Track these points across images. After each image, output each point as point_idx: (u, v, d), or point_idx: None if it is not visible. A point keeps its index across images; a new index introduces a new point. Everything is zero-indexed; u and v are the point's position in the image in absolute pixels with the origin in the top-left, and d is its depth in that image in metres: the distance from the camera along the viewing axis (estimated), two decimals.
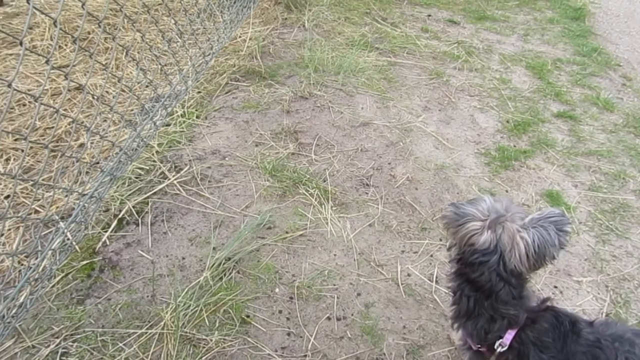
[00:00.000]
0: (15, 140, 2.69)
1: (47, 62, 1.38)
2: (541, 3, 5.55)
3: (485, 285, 1.34)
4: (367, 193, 2.69)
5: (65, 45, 3.42)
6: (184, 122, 3.02)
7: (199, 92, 3.32)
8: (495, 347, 1.43)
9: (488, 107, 3.55)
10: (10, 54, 3.32)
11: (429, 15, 4.85)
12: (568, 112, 3.58)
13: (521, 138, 3.26)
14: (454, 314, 1.56)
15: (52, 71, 3.06)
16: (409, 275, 2.28)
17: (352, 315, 2.07)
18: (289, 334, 1.98)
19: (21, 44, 1.23)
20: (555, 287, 2.30)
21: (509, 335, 1.42)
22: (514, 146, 3.17)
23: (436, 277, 2.27)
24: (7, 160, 2.59)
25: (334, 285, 2.19)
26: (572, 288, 2.30)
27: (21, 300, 1.85)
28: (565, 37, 4.77)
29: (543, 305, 1.48)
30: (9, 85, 1.26)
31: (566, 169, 3.04)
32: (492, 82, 3.86)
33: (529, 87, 3.86)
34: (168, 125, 2.98)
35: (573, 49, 4.57)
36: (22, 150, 2.63)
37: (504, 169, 2.97)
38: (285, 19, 4.34)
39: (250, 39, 3.89)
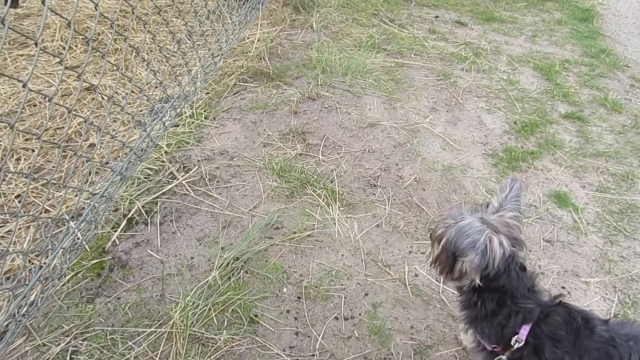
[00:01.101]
0: (26, 140, 2.72)
1: (60, 62, 1.39)
2: (549, 4, 5.53)
3: (512, 284, 1.39)
4: (374, 194, 2.70)
5: (75, 46, 3.45)
6: (193, 122, 3.04)
7: (208, 93, 3.34)
8: (512, 343, 1.44)
9: (495, 108, 3.55)
10: (21, 55, 3.36)
11: (437, 17, 4.85)
12: (576, 113, 3.57)
13: (529, 139, 3.26)
14: (469, 319, 1.55)
15: (62, 72, 3.10)
16: (416, 275, 2.28)
17: (360, 315, 2.08)
18: (297, 334, 1.99)
19: (36, 44, 1.25)
20: (563, 287, 2.29)
21: (524, 331, 1.43)
22: (522, 147, 3.17)
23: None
24: (18, 160, 2.62)
25: (342, 285, 2.20)
26: (580, 289, 2.30)
27: (32, 298, 1.87)
28: (574, 38, 4.76)
29: (556, 300, 1.49)
30: (24, 86, 1.28)
31: (574, 170, 3.03)
32: (500, 84, 3.85)
33: (537, 88, 3.85)
34: (177, 126, 3.00)
35: (581, 50, 4.55)
36: (33, 150, 2.66)
37: (511, 170, 2.96)
38: (294, 20, 4.36)
39: (258, 40, 3.91)
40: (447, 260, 1.41)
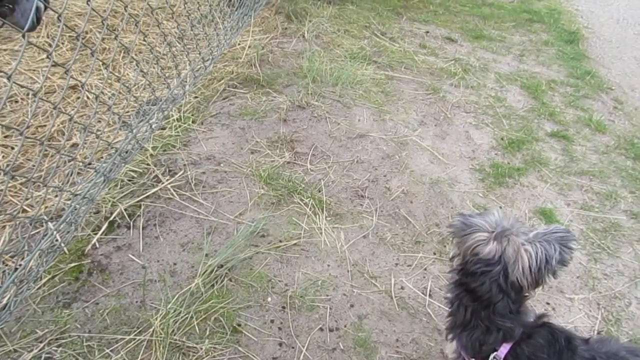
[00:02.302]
0: (5, 137, 2.64)
1: (48, 56, 1.35)
2: (537, 25, 5.64)
3: (484, 295, 1.34)
4: (361, 205, 2.68)
5: (62, 43, 3.38)
6: (180, 126, 2.99)
7: (196, 97, 3.30)
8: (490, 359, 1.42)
9: (483, 124, 3.58)
10: (5, 49, 3.27)
11: (427, 32, 4.90)
12: (561, 132, 3.61)
13: (515, 155, 3.28)
14: (450, 324, 1.55)
15: (49, 68, 3.03)
16: (402, 288, 2.26)
17: (345, 326, 2.04)
18: (280, 344, 1.94)
19: (24, 36, 1.21)
20: (548, 303, 2.29)
21: (504, 349, 1.41)
22: (508, 163, 3.19)
23: (430, 291, 2.25)
24: None
25: (327, 295, 2.16)
26: (565, 305, 2.30)
27: (4, 302, 1.80)
28: (560, 59, 4.85)
29: (539, 321, 1.48)
30: (8, 78, 1.23)
31: (559, 187, 3.06)
32: (488, 100, 3.89)
33: (524, 106, 3.90)
34: (163, 128, 2.95)
35: (567, 71, 4.64)
36: (12, 148, 2.58)
37: (498, 185, 2.98)
38: (285, 28, 4.36)
39: (249, 46, 3.89)
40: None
